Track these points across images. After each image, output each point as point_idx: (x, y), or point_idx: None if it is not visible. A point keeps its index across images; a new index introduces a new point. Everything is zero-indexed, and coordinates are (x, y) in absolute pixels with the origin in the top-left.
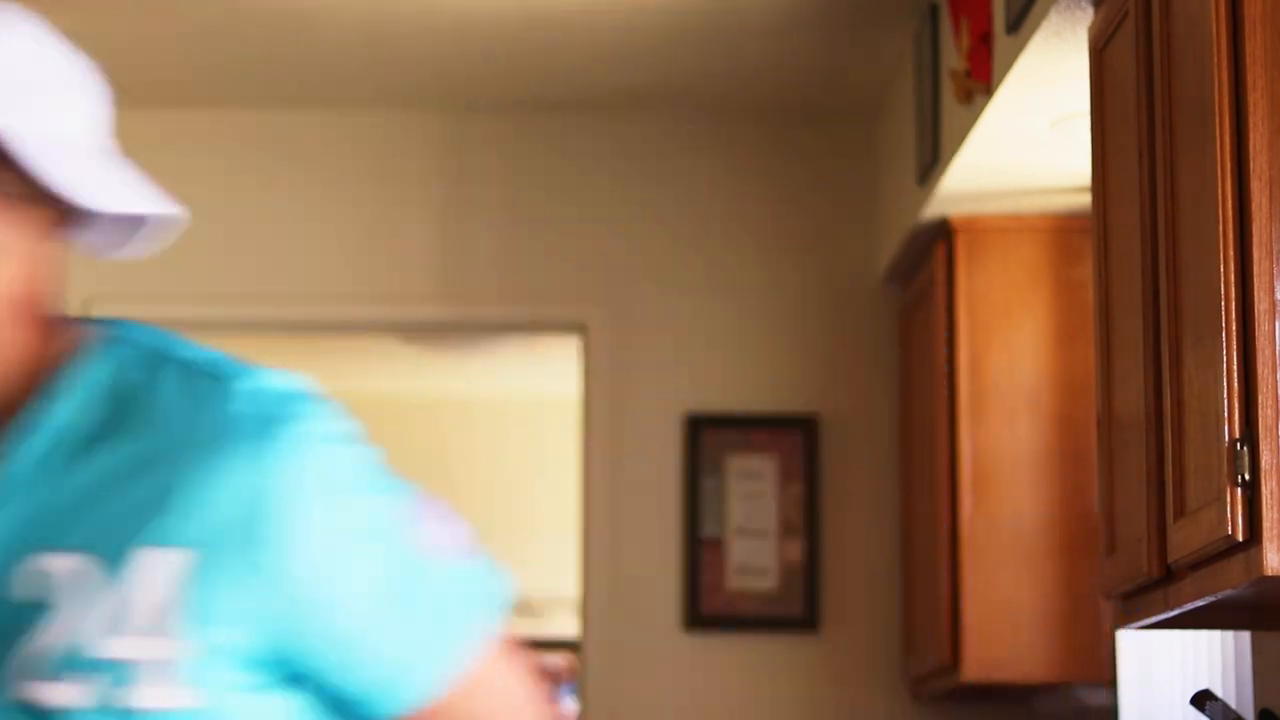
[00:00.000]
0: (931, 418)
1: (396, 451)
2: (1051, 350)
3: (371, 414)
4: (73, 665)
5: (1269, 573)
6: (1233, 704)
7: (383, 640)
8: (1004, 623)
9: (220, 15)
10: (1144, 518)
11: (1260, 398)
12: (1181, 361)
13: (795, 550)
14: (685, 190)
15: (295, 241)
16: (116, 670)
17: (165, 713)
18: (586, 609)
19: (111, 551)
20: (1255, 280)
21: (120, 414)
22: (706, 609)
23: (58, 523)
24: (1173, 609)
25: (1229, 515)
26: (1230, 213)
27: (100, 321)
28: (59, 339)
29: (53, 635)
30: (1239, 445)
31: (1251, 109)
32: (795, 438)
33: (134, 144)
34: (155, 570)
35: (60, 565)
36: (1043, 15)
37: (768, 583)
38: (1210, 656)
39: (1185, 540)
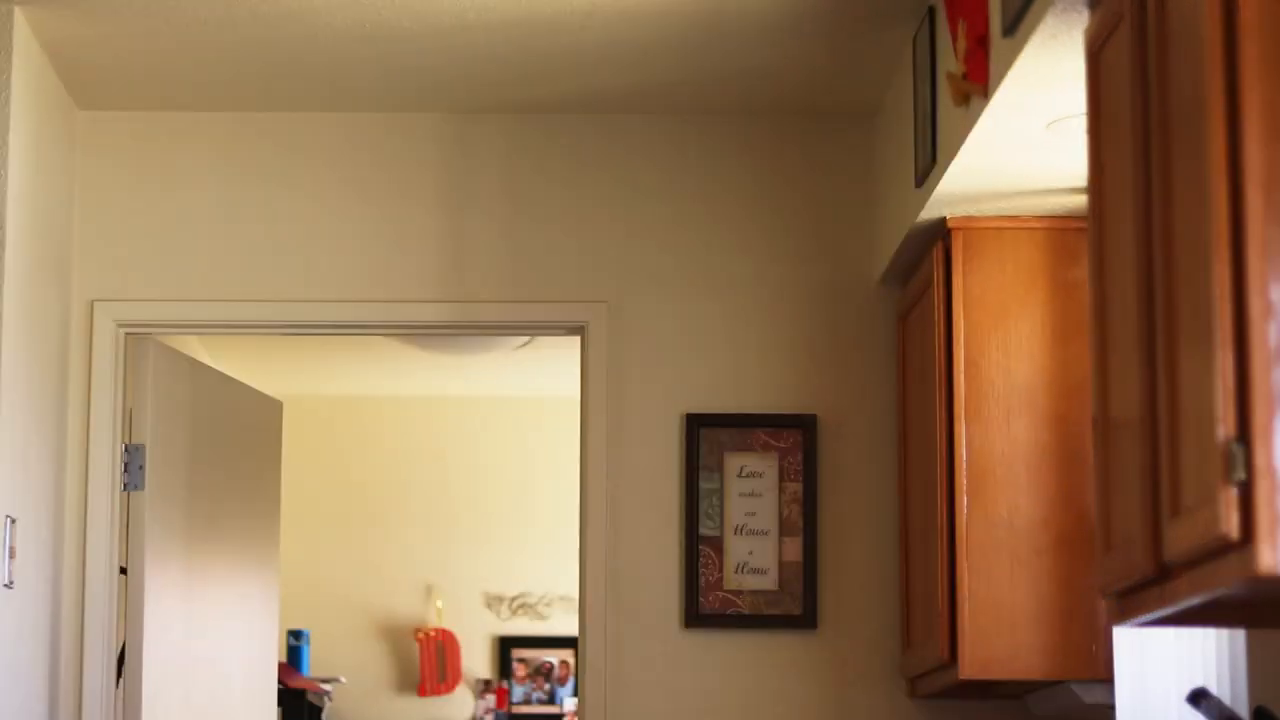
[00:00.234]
0: (929, 417)
1: (398, 451)
2: (1048, 350)
3: (373, 413)
4: None
5: (1263, 572)
6: (1228, 701)
7: None
8: (1001, 620)
9: (222, 17)
10: (1139, 516)
11: (1254, 397)
12: (1177, 361)
13: (794, 549)
14: (685, 191)
15: (297, 243)
16: None
17: None
18: (586, 607)
19: None
20: (1250, 281)
21: None
22: (705, 607)
23: None
24: (1168, 607)
25: (1224, 514)
26: (1225, 214)
27: None
28: None
29: None
30: (1234, 444)
31: (1246, 111)
32: (794, 437)
33: (136, 145)
34: None
35: None
36: (1039, 18)
37: (766, 581)
38: (1206, 654)
39: (1180, 539)
